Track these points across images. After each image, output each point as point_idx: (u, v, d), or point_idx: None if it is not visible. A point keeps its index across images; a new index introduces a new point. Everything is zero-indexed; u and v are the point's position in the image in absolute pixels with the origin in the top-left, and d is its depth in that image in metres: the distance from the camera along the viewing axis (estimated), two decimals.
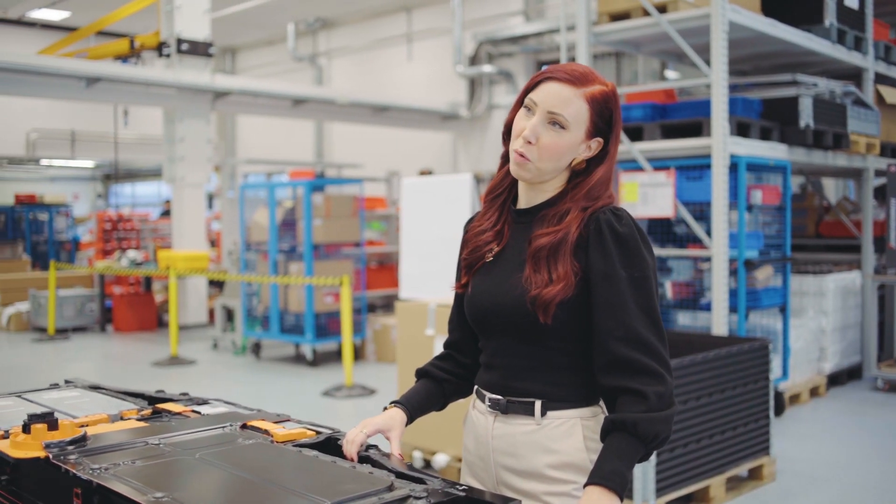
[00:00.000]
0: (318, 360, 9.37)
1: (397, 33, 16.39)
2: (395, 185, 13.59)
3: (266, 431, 1.87)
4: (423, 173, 13.63)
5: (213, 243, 16.16)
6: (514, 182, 1.92)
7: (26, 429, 1.72)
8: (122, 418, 2.03)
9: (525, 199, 1.89)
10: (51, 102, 16.97)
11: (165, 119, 12.04)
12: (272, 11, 16.47)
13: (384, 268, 11.07)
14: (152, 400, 2.26)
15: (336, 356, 9.49)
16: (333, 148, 18.04)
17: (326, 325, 9.35)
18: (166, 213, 16.98)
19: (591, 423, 1.80)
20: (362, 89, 16.30)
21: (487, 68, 14.00)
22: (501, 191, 1.94)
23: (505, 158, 1.92)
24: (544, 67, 1.86)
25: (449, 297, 3.35)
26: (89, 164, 21.93)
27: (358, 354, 9.47)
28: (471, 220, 2.02)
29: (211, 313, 12.49)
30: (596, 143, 1.83)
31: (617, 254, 1.74)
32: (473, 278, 1.92)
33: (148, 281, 12.86)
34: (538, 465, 1.79)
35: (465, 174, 6.15)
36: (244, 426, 1.92)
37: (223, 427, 1.92)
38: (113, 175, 23.57)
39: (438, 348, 2.14)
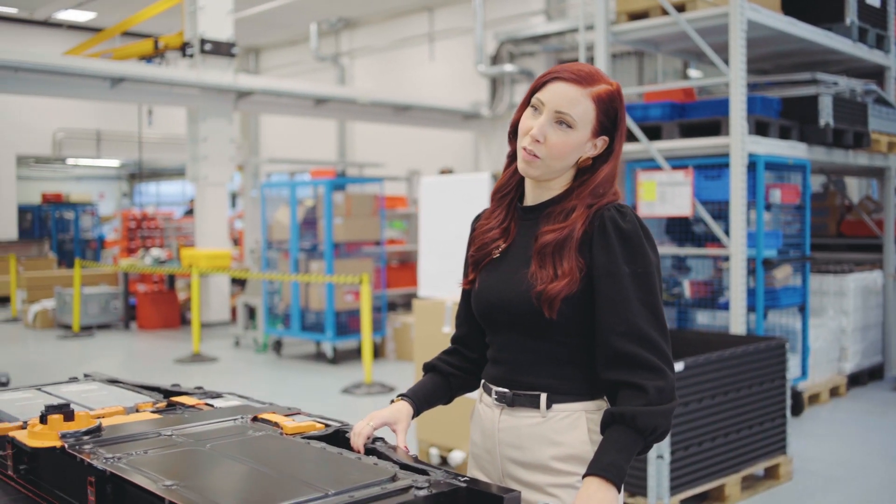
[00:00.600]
0: (339, 357, 9.43)
1: (419, 33, 16.44)
2: (415, 183, 13.64)
3: (276, 424, 1.91)
4: (443, 172, 13.66)
5: (236, 242, 16.30)
6: (521, 180, 1.95)
7: (43, 419, 1.77)
8: (137, 410, 2.08)
9: (532, 197, 1.92)
10: (77, 102, 17.17)
11: (189, 119, 12.16)
12: (295, 12, 16.57)
13: (405, 266, 11.11)
14: (167, 393, 2.30)
15: (356, 354, 9.54)
16: (355, 147, 18.12)
17: (347, 323, 9.41)
18: (190, 212, 17.15)
19: (596, 416, 1.82)
20: (384, 89, 16.36)
21: (509, 67, 13.99)
22: (509, 189, 1.97)
23: (511, 157, 1.95)
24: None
25: None
26: (114, 163, 22.18)
27: (378, 352, 9.53)
28: (478, 218, 2.05)
29: (233, 311, 12.60)
30: (601, 142, 1.86)
31: (620, 250, 1.77)
32: (480, 274, 1.95)
33: (171, 279, 12.99)
34: (543, 458, 1.82)
35: (484, 173, 6.18)
36: (255, 419, 1.96)
37: (234, 419, 1.96)
38: (138, 174, 23.83)
39: None
